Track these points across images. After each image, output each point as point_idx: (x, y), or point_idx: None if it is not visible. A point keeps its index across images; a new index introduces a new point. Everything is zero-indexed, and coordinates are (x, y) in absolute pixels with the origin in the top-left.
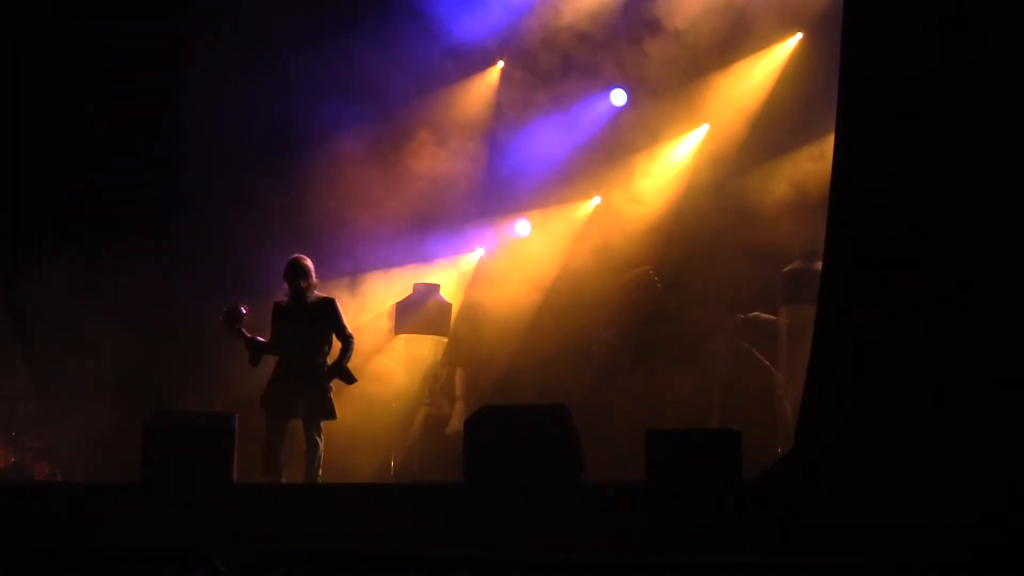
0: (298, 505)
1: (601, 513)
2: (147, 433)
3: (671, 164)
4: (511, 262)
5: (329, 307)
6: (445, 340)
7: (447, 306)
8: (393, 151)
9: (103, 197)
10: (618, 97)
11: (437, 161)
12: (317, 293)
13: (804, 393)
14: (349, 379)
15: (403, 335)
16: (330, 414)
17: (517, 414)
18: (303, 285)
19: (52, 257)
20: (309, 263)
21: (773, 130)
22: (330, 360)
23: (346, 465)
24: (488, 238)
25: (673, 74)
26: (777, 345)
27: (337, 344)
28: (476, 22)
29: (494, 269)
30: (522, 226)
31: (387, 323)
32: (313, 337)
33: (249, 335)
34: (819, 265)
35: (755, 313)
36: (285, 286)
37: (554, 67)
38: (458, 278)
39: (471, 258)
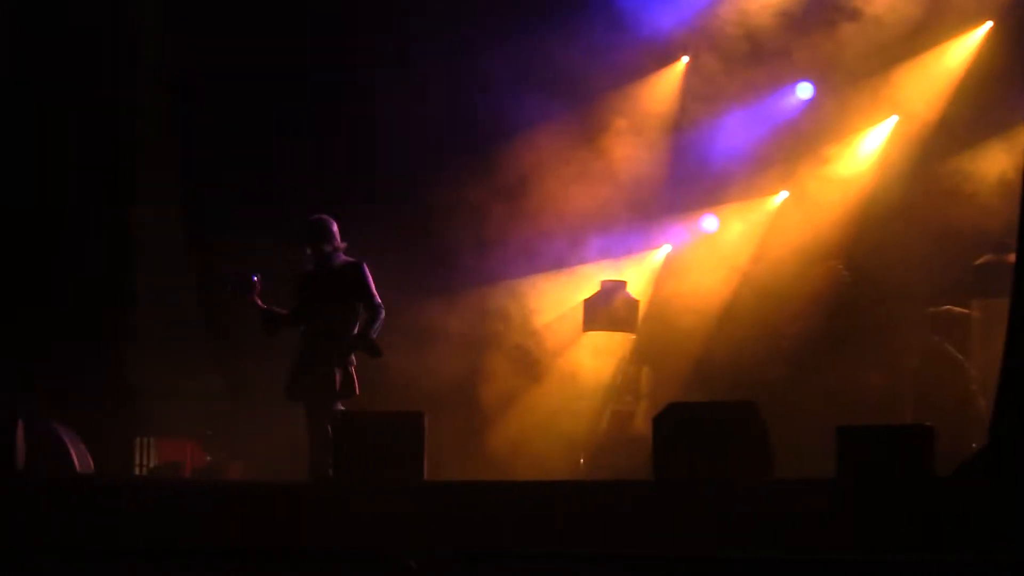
0: (490, 502)
1: (791, 510)
2: (337, 433)
3: (861, 156)
4: (698, 258)
5: (356, 271)
6: (632, 337)
7: (634, 303)
8: (582, 146)
9: (298, 199)
10: (804, 91)
11: (625, 156)
12: (344, 257)
13: (998, 388)
14: (374, 352)
15: (591, 332)
16: (352, 391)
17: (705, 411)
18: (327, 249)
19: (248, 257)
20: (331, 223)
21: (964, 121)
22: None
23: (536, 463)
24: (675, 234)
25: (865, 62)
26: (969, 339)
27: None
28: (666, 13)
29: (681, 265)
30: (709, 221)
31: (575, 320)
32: (338, 306)
33: (264, 306)
34: (1012, 257)
35: (947, 307)
36: (308, 252)
37: (743, 57)
38: (645, 274)
39: (658, 254)
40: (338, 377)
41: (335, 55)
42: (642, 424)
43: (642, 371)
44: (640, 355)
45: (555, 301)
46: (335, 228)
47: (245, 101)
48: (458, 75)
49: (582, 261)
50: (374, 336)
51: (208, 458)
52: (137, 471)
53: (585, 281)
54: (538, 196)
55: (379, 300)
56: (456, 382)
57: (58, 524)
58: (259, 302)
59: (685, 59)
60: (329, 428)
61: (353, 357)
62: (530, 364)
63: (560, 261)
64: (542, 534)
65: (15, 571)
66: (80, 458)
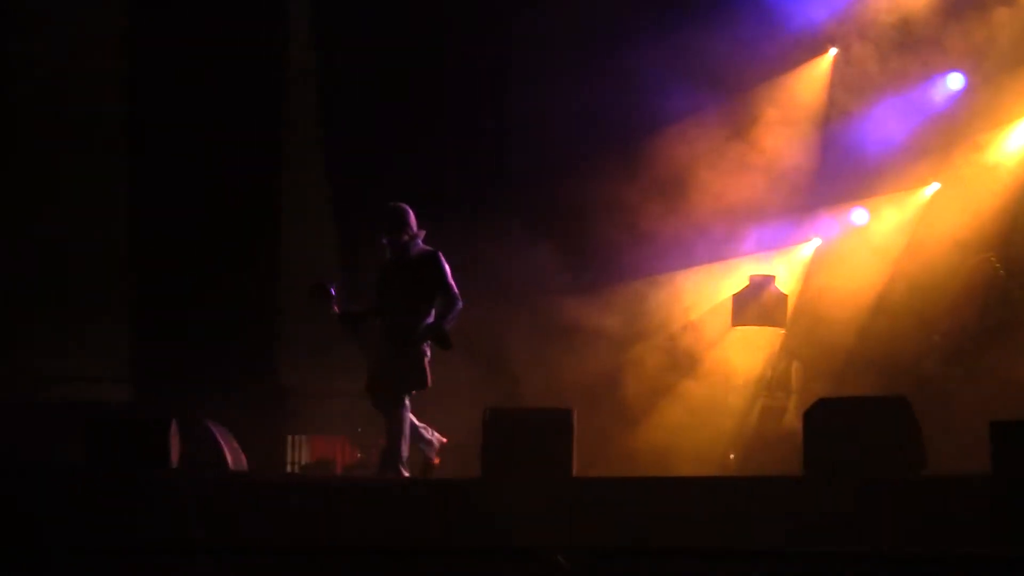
0: (640, 498)
1: (943, 507)
2: (487, 429)
3: (1015, 145)
4: (849, 251)
5: (431, 260)
6: (781, 331)
7: (783, 297)
8: (731, 140)
9: (447, 196)
10: (955, 81)
11: (774, 149)
12: (421, 246)
13: None
14: (444, 344)
15: (740, 327)
16: (421, 382)
17: (856, 406)
18: (403, 238)
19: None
20: (407, 211)
21: None
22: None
23: (685, 459)
24: (824, 227)
25: (1020, 47)
26: None
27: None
28: (818, 4)
29: (832, 258)
30: (859, 214)
31: (724, 315)
32: (412, 296)
33: (339, 310)
34: None
35: None
36: (384, 241)
37: (894, 46)
38: (794, 268)
39: (807, 248)
40: (408, 367)
41: (483, 49)
42: (792, 419)
43: (792, 366)
44: (790, 350)
45: (703, 296)
46: (411, 216)
47: (389, 103)
48: (608, 70)
49: (731, 255)
50: (448, 327)
51: (359, 455)
52: (289, 468)
53: (734, 276)
54: (687, 191)
55: (456, 290)
56: (605, 378)
57: (211, 521)
58: (336, 309)
59: (833, 51)
60: (402, 419)
61: (427, 348)
62: (679, 360)
63: (709, 256)
64: (691, 530)
65: (170, 567)
66: (233, 456)
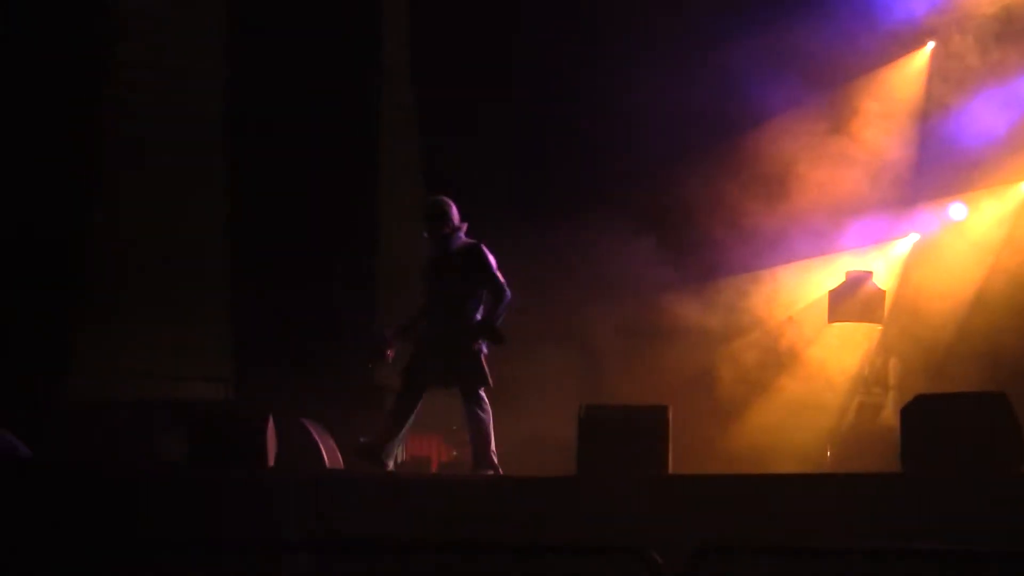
0: (736, 495)
1: None
2: (582, 426)
3: None
4: (947, 246)
5: (473, 253)
6: (879, 327)
7: (880, 293)
8: (829, 135)
9: (545, 191)
10: None
11: (872, 144)
12: (464, 239)
13: None
14: (497, 339)
15: (837, 323)
16: (482, 380)
17: (954, 402)
18: (444, 231)
19: (497, 250)
20: (448, 204)
21: None
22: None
23: (782, 455)
24: (922, 222)
25: None
26: None
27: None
28: None
29: (929, 254)
30: (957, 209)
31: (821, 312)
32: (457, 291)
33: (393, 339)
34: None
35: None
36: (425, 235)
37: (995, 37)
38: (892, 264)
39: (905, 243)
40: (469, 366)
41: (583, 45)
42: (890, 416)
43: (889, 362)
44: (887, 346)
45: (801, 292)
46: (453, 209)
47: (487, 101)
48: (708, 66)
49: (828, 251)
50: (499, 321)
51: (454, 453)
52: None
53: (831, 271)
54: (786, 185)
55: (502, 281)
56: (701, 374)
57: (307, 518)
58: (391, 353)
59: (931, 44)
60: (480, 416)
61: (483, 345)
62: (776, 356)
63: (807, 251)
64: (788, 528)
65: (267, 564)
66: (329, 454)
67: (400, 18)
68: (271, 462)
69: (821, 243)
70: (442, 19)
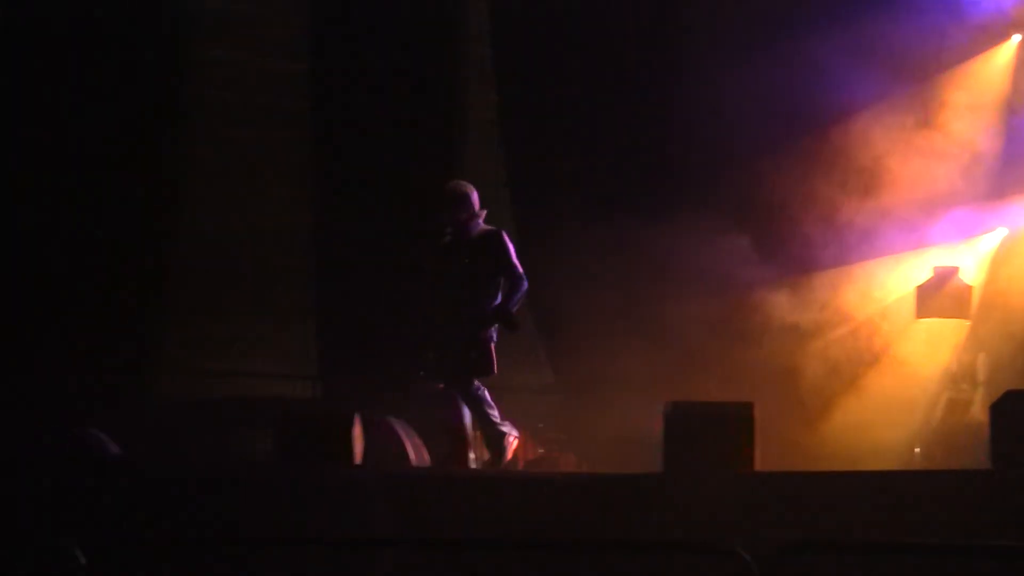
0: (822, 492)
1: None
2: (668, 423)
3: None
4: None
5: (493, 239)
6: (967, 323)
7: (968, 288)
8: (917, 128)
9: (636, 193)
10: None
11: (960, 137)
12: (483, 226)
13: None
14: (512, 326)
15: (925, 319)
16: (487, 368)
17: None
18: (463, 217)
19: (576, 248)
20: (467, 189)
21: None
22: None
23: (869, 452)
24: (1011, 216)
25: None
26: None
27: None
28: None
29: (1018, 249)
30: None
31: (908, 307)
32: (475, 277)
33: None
34: None
35: None
36: (443, 220)
37: None
38: (980, 259)
39: (993, 238)
40: (475, 353)
41: (672, 39)
42: (979, 412)
43: (978, 358)
44: (976, 342)
45: (888, 287)
46: (473, 195)
47: (571, 97)
48: (797, 60)
49: (916, 245)
50: (514, 308)
51: (540, 450)
52: (472, 464)
53: (918, 266)
54: (875, 180)
55: (520, 270)
56: (788, 370)
57: (394, 516)
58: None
59: (1017, 37)
60: (482, 401)
61: (493, 332)
62: (863, 352)
63: (894, 246)
64: (875, 525)
65: (355, 562)
66: (415, 452)
67: (483, 14)
68: (358, 460)
69: (910, 237)
70: (525, 15)
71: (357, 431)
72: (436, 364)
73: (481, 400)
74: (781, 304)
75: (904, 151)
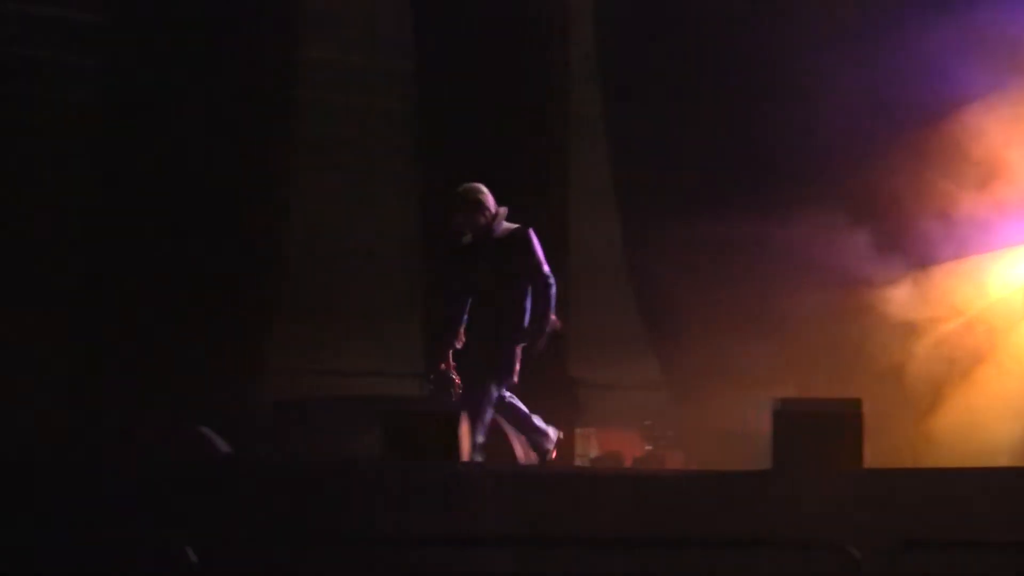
0: (933, 490)
1: None
2: (776, 419)
3: None
4: None
5: (520, 238)
6: None
7: None
8: None
9: (737, 183)
10: None
11: None
12: (507, 224)
13: None
14: (543, 337)
15: None
16: (507, 375)
17: None
18: (481, 221)
19: (684, 244)
20: (480, 193)
21: None
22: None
23: (981, 449)
24: None
25: None
26: None
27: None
28: None
29: None
30: None
31: (1020, 302)
32: (501, 278)
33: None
34: None
35: None
36: (460, 221)
37: None
38: None
39: None
40: (501, 358)
41: (778, 32)
42: None
43: None
44: None
45: (1003, 281)
46: (487, 196)
47: (681, 90)
48: (906, 53)
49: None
50: (550, 311)
51: (647, 448)
52: (578, 461)
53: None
54: (991, 172)
55: (547, 270)
56: (898, 366)
57: (501, 515)
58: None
59: None
60: (486, 411)
61: (527, 338)
62: (976, 347)
63: (1008, 239)
64: (987, 522)
65: (463, 559)
66: (522, 449)
67: (586, 11)
68: (464, 458)
69: (1019, 230)
70: (627, 11)
71: (464, 428)
72: (458, 370)
73: (512, 406)
74: (894, 299)
75: (1019, 143)
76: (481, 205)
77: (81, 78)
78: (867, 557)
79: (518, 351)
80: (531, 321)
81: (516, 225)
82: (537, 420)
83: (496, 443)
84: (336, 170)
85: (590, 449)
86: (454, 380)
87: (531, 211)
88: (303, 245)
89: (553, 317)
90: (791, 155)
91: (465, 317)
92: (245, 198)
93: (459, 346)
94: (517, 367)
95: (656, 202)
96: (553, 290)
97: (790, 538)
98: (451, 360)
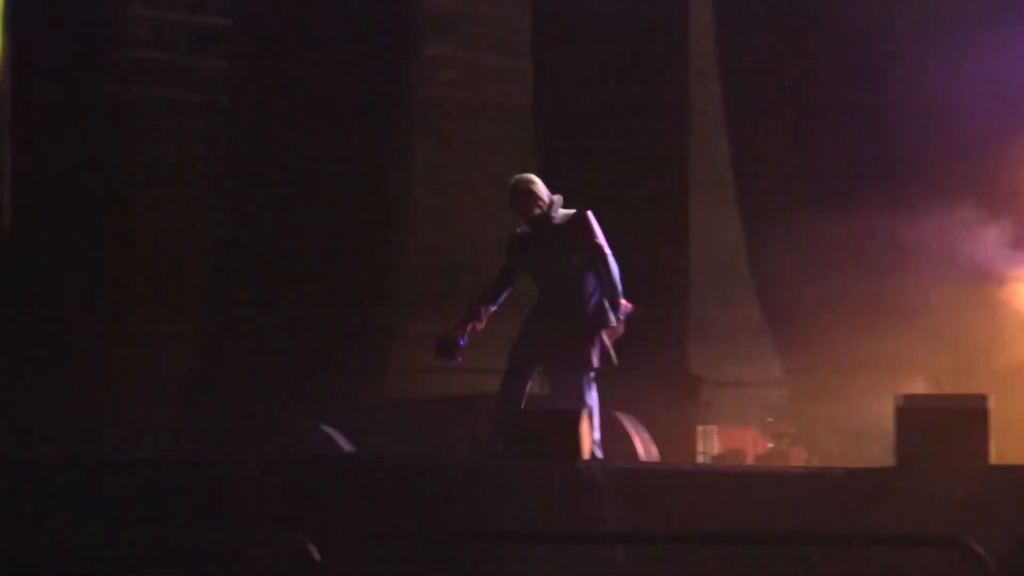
0: None
1: None
2: (900, 417)
3: None
4: None
5: (582, 221)
6: None
7: None
8: None
9: (846, 177)
10: None
11: None
12: (564, 211)
13: None
14: (616, 318)
15: None
16: (582, 365)
17: None
18: (535, 212)
19: (809, 239)
20: (531, 182)
21: None
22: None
23: None
24: None
25: None
26: None
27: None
28: None
29: None
30: None
31: None
32: (567, 268)
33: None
34: None
35: None
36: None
37: None
38: None
39: None
40: (591, 347)
41: (902, 24)
42: None
43: None
44: None
45: None
46: (538, 187)
47: (794, 87)
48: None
49: None
50: (619, 290)
51: (769, 445)
52: (699, 459)
53: None
54: None
55: (608, 251)
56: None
57: (623, 513)
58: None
59: None
60: (588, 400)
61: (604, 320)
62: None
63: None
64: None
65: (583, 556)
66: (643, 446)
67: (705, 5)
68: (585, 456)
69: None
70: (746, 5)
71: (584, 426)
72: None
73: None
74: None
75: None
76: (534, 195)
77: (210, 81)
78: (992, 554)
79: (596, 334)
80: (601, 302)
81: (573, 210)
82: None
83: (615, 441)
84: (459, 168)
85: (711, 446)
86: (459, 347)
87: (651, 207)
88: (424, 243)
89: (624, 301)
90: (919, 148)
91: (499, 301)
92: (366, 199)
93: (479, 326)
94: (598, 350)
95: (777, 198)
96: (616, 269)
97: (914, 535)
98: (463, 332)
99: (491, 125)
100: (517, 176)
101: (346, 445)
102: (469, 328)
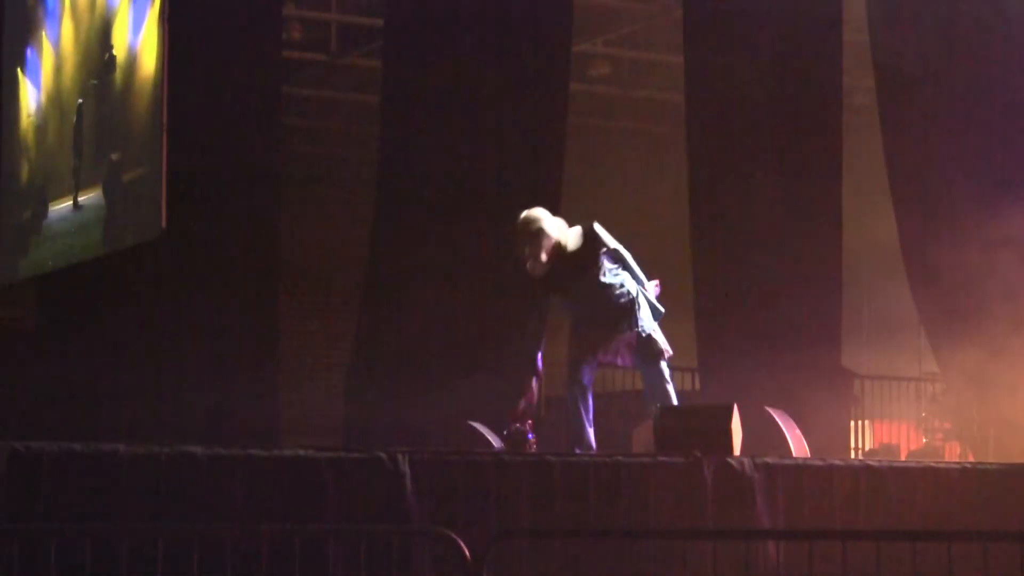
0: None
1: None
2: None
3: None
4: None
5: (593, 235)
6: None
7: None
8: None
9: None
10: None
11: None
12: (571, 232)
13: None
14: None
15: None
16: (655, 357)
17: None
18: (547, 245)
19: (973, 236)
20: (536, 220)
21: None
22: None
23: None
24: None
25: None
26: None
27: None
28: None
29: None
30: None
31: None
32: (599, 284)
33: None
34: None
35: None
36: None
37: None
38: None
39: None
40: (654, 338)
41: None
42: None
43: None
44: None
45: None
46: (544, 223)
47: (950, 80)
48: None
49: None
50: (643, 276)
51: (923, 440)
52: (853, 454)
53: None
54: None
55: (624, 250)
56: None
57: (771, 507)
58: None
59: None
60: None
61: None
62: None
63: None
64: None
65: (736, 552)
66: (795, 442)
67: (859, 4)
68: (737, 451)
69: None
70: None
71: (735, 421)
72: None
73: (584, 398)
74: None
75: None
76: (542, 233)
77: (368, 81)
78: None
79: (651, 329)
80: (645, 297)
81: (578, 227)
82: (589, 432)
83: (768, 436)
84: (606, 163)
85: (865, 441)
86: (528, 440)
87: (805, 206)
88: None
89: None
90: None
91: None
92: (522, 196)
93: (533, 401)
94: (664, 343)
95: (937, 192)
96: (631, 258)
97: (989, 532)
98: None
99: (639, 120)
100: (523, 215)
101: (495, 441)
102: (530, 415)
